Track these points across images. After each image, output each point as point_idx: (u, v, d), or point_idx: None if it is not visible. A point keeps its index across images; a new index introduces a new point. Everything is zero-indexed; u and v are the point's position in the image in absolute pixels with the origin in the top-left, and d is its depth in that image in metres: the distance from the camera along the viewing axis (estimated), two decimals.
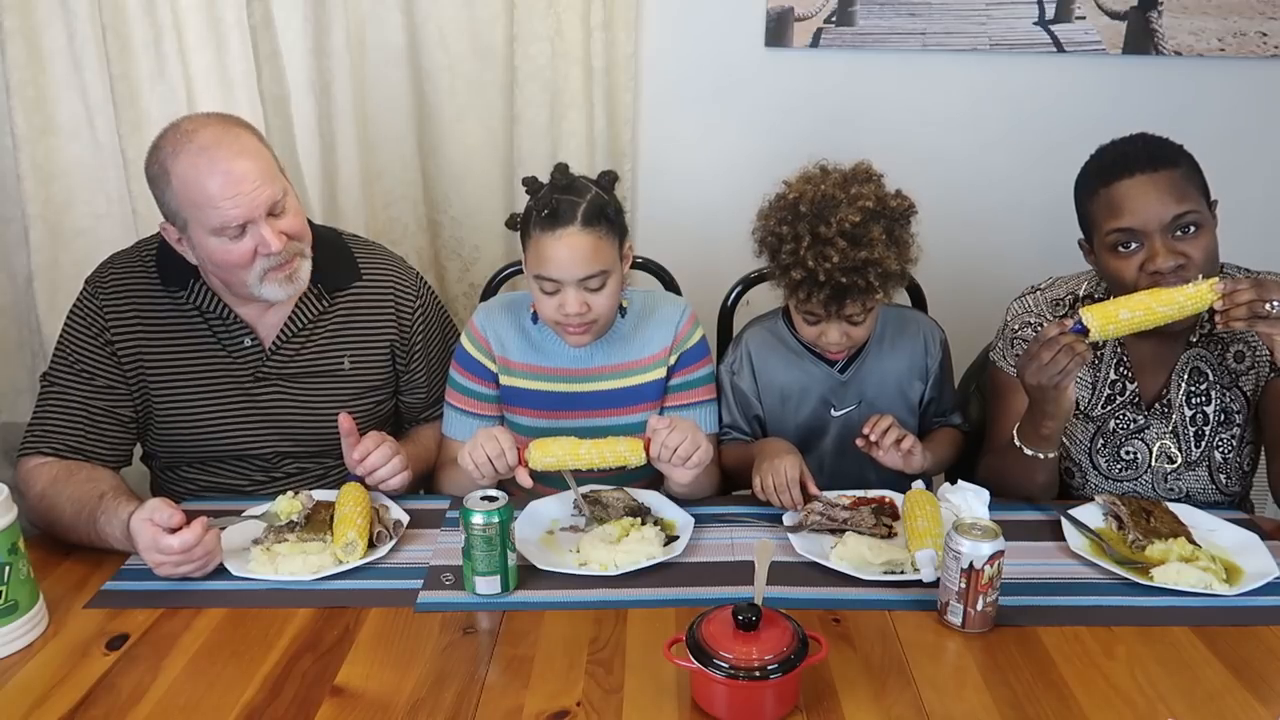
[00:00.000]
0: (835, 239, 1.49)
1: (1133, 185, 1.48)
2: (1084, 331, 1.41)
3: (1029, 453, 1.54)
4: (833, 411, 1.73)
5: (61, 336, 1.61)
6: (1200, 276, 1.43)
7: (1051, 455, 1.55)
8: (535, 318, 1.69)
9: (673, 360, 1.71)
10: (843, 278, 1.49)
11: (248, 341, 1.63)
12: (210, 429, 1.64)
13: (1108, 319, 1.41)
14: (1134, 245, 1.50)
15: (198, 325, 1.62)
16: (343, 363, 1.69)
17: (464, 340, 1.73)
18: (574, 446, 1.50)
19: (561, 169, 1.57)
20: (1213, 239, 1.50)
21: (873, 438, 1.58)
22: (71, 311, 1.61)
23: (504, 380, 1.70)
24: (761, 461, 1.58)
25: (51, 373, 1.61)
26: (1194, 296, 1.40)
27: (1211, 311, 1.42)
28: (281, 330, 1.65)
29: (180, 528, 1.32)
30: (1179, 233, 1.48)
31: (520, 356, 1.70)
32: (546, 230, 1.53)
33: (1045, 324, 1.46)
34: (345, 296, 1.70)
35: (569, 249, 1.52)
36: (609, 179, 1.61)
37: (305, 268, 1.58)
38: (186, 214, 1.48)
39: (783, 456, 1.57)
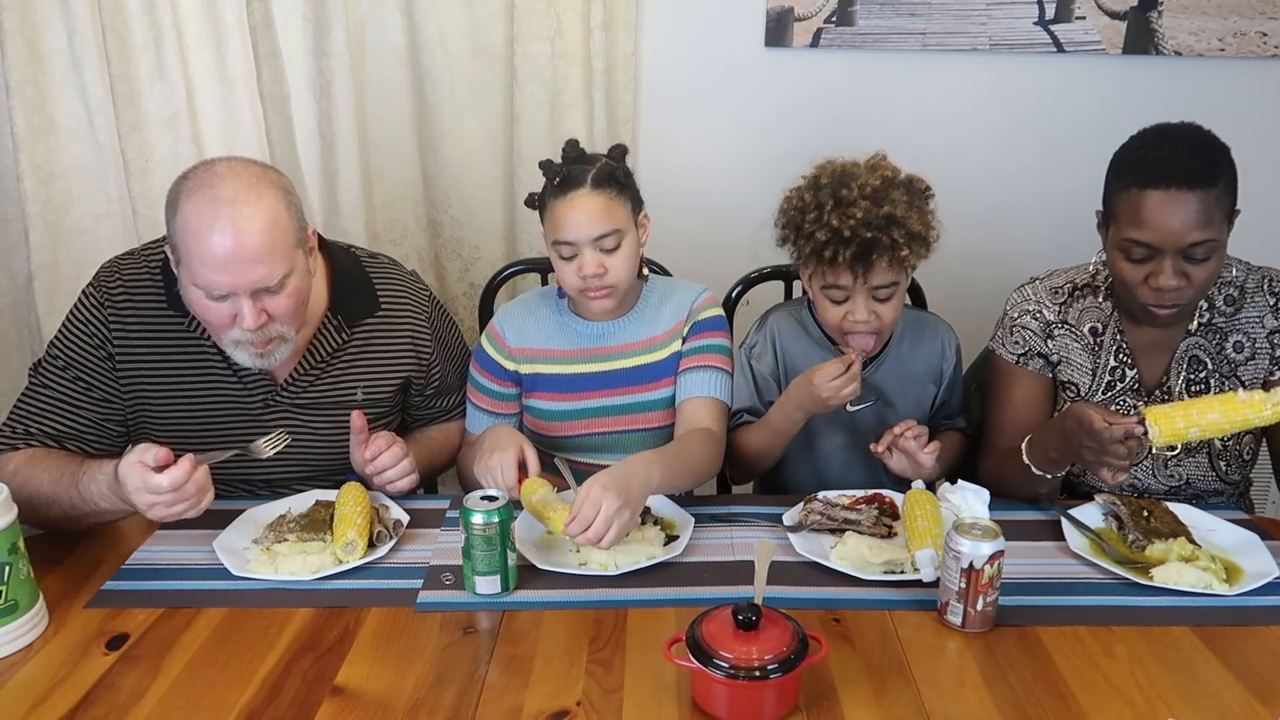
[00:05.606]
0: (858, 200, 1.54)
1: (1164, 200, 1.44)
2: (1146, 434, 1.38)
3: (1036, 472, 1.54)
4: (848, 408, 1.72)
5: (58, 339, 1.56)
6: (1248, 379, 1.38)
7: (1058, 476, 1.55)
8: (560, 294, 1.72)
9: (685, 330, 1.73)
10: (867, 233, 1.53)
11: (258, 371, 1.57)
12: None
13: (1176, 434, 1.38)
14: (1143, 256, 1.49)
15: (209, 350, 1.56)
16: (356, 394, 1.66)
17: (483, 340, 1.76)
18: (560, 512, 1.40)
19: (572, 144, 1.63)
20: (1219, 262, 1.50)
21: (907, 435, 1.57)
22: (73, 316, 1.56)
23: (526, 369, 1.73)
24: (804, 386, 1.60)
25: (43, 373, 1.56)
26: (1273, 417, 1.35)
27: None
28: (298, 364, 1.61)
29: (168, 466, 1.29)
30: (1189, 258, 1.47)
31: (540, 342, 1.73)
32: (559, 196, 1.59)
33: (1105, 419, 1.39)
34: (363, 327, 1.66)
35: (581, 210, 1.57)
36: (619, 150, 1.64)
37: (283, 350, 1.51)
38: (181, 253, 1.42)
39: (820, 367, 1.59)
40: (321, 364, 1.63)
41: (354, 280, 1.67)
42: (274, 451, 1.48)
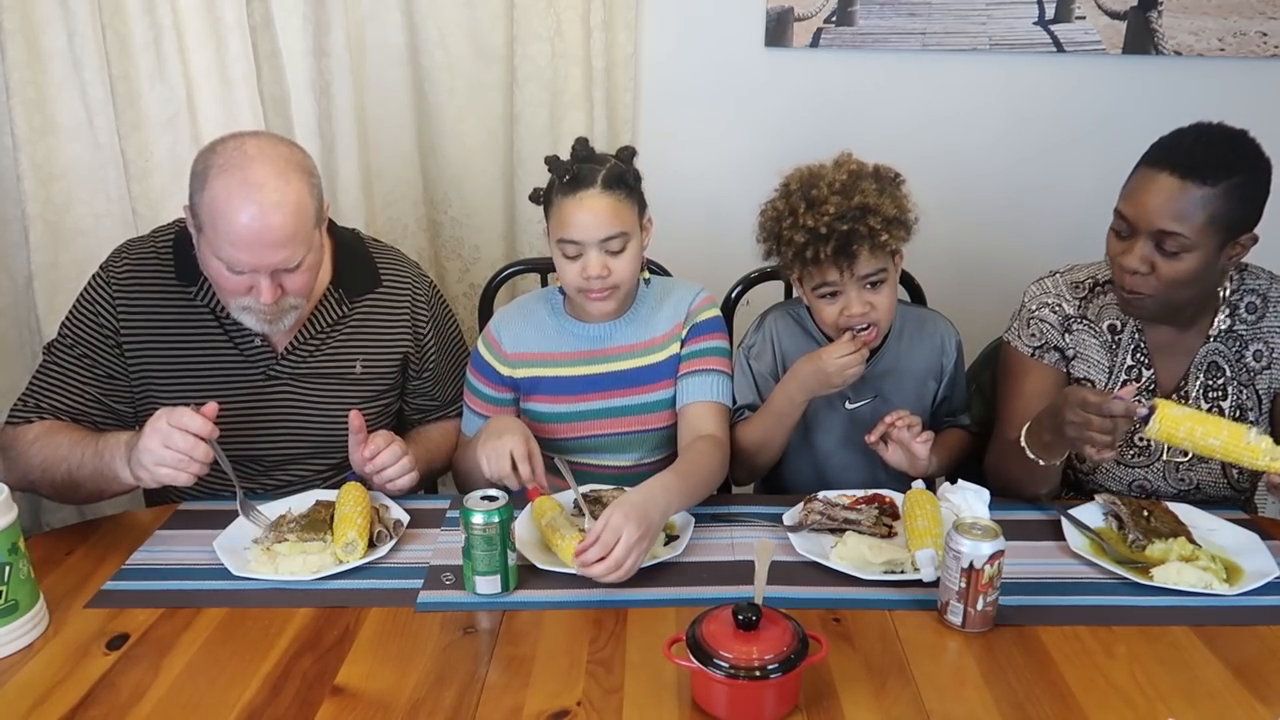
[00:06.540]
0: (829, 197, 1.56)
1: (1151, 178, 1.44)
2: (1145, 420, 1.36)
3: (1030, 456, 1.54)
4: (847, 404, 1.73)
5: (68, 318, 1.61)
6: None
7: (1054, 464, 1.54)
8: (559, 291, 1.72)
9: (684, 333, 1.73)
10: (843, 225, 1.54)
11: (258, 341, 1.62)
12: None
13: (1172, 437, 1.36)
14: (1124, 232, 1.50)
15: (209, 322, 1.61)
16: (354, 367, 1.69)
17: (480, 344, 1.75)
18: (570, 540, 1.39)
19: (582, 142, 1.62)
20: (1194, 268, 1.45)
21: (898, 423, 1.59)
22: (82, 295, 1.61)
23: (523, 373, 1.72)
24: (809, 365, 1.62)
25: (54, 351, 1.61)
26: (1272, 464, 1.35)
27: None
28: (298, 334, 1.64)
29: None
30: (1160, 248, 1.45)
31: (538, 345, 1.72)
32: (568, 195, 1.57)
33: (1110, 394, 1.39)
34: (363, 302, 1.70)
35: (589, 211, 1.56)
36: (628, 152, 1.64)
37: (289, 318, 1.56)
38: (204, 224, 1.46)
39: (828, 346, 1.62)
40: (321, 335, 1.66)
41: (357, 257, 1.71)
42: (263, 513, 1.50)
